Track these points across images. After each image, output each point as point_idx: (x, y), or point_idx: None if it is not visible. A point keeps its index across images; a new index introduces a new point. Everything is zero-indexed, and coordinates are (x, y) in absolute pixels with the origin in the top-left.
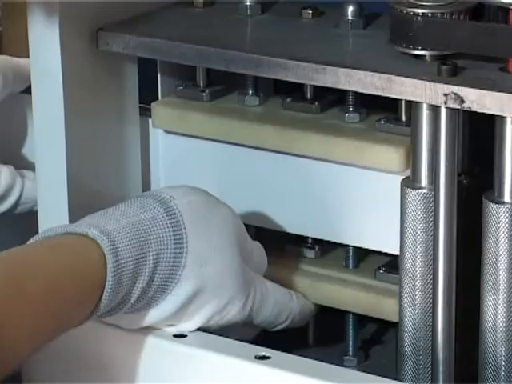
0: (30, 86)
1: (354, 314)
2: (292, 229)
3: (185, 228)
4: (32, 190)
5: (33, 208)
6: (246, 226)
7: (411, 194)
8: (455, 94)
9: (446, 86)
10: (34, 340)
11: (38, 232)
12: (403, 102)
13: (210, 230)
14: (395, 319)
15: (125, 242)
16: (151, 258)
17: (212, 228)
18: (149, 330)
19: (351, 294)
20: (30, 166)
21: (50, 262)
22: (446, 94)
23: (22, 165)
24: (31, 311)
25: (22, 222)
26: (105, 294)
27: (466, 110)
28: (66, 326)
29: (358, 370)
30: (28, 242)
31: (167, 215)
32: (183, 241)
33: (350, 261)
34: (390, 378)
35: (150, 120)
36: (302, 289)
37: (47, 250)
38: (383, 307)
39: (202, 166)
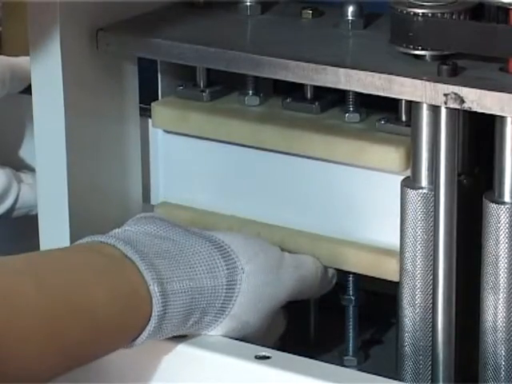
0: (29, 86)
1: (354, 308)
2: (292, 227)
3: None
4: (29, 194)
5: (29, 213)
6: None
7: (411, 194)
8: (455, 94)
9: (446, 86)
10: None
11: (33, 235)
12: (403, 102)
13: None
14: (395, 278)
15: (177, 307)
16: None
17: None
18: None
19: (351, 254)
20: (29, 168)
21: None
22: (446, 94)
23: (22, 166)
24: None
25: (20, 225)
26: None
27: (466, 110)
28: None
29: (358, 370)
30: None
31: (228, 287)
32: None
33: None
34: (390, 378)
35: (149, 120)
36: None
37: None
38: (383, 266)
39: (201, 166)
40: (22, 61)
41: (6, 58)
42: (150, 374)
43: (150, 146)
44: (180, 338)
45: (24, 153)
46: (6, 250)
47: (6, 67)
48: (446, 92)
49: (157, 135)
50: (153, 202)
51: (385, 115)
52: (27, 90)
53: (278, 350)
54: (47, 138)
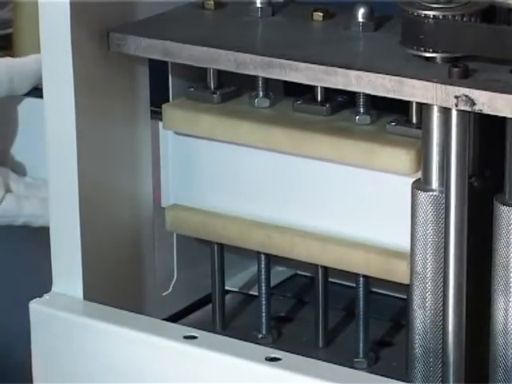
0: (36, 89)
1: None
2: (302, 229)
3: None
4: (12, 204)
5: (12, 223)
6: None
7: (422, 196)
8: (466, 96)
9: (456, 88)
10: None
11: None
12: (414, 105)
13: None
14: (406, 281)
15: None
16: None
17: None
18: (159, 331)
19: (361, 256)
20: (33, 171)
21: None
22: (456, 97)
23: (25, 170)
24: None
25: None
26: None
27: (477, 113)
28: None
29: (369, 372)
30: None
31: None
32: None
33: None
34: (400, 379)
35: (160, 122)
36: (313, 250)
37: None
38: (394, 269)
39: (212, 167)
40: (25, 61)
41: (11, 58)
42: (160, 375)
43: (160, 147)
44: (190, 339)
45: (29, 156)
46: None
47: (2, 69)
48: (457, 94)
49: (167, 137)
50: (163, 204)
51: (395, 117)
52: (36, 93)
53: (289, 352)
54: (58, 139)
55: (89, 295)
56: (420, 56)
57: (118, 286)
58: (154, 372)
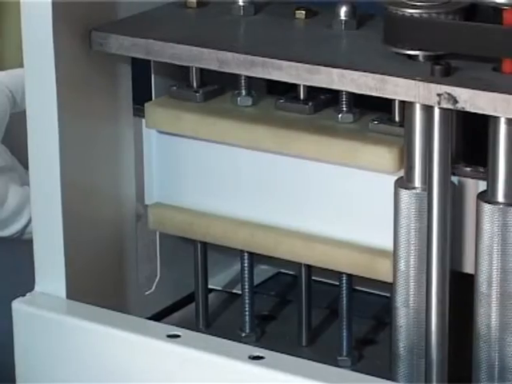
0: None
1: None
2: (286, 228)
3: None
4: None
5: None
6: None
7: (405, 194)
8: (448, 94)
9: (439, 86)
10: None
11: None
12: (396, 103)
13: None
14: (389, 279)
15: None
16: None
17: None
18: (142, 330)
19: (345, 255)
20: None
21: None
22: (439, 94)
23: None
24: None
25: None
26: None
27: (459, 110)
28: None
29: (352, 370)
30: None
31: None
32: None
33: None
34: (383, 378)
35: (143, 120)
36: (296, 248)
37: None
38: (377, 267)
39: (195, 166)
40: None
41: (7, 72)
42: (144, 374)
43: (143, 146)
44: (173, 338)
45: None
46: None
47: (18, 84)
48: (439, 92)
49: (150, 135)
50: (147, 202)
51: (378, 115)
52: None
53: (272, 350)
54: (40, 138)
55: (72, 294)
56: (402, 54)
57: (100, 285)
58: (137, 371)
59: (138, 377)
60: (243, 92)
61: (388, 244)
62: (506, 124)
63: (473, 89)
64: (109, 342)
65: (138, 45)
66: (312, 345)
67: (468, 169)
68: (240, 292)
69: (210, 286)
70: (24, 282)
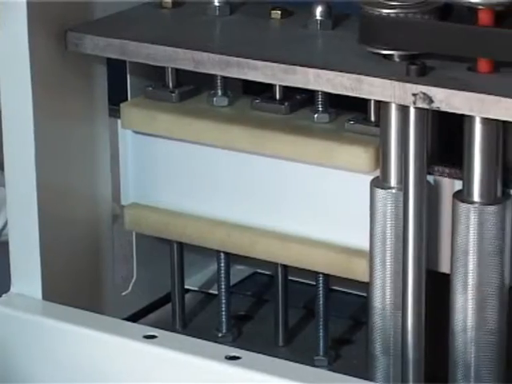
0: None
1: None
2: (262, 228)
3: None
4: None
5: None
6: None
7: (380, 193)
8: (424, 93)
9: (414, 85)
10: None
11: None
12: (372, 102)
13: None
14: (365, 279)
15: None
16: None
17: None
18: (119, 330)
19: (321, 255)
20: None
21: None
22: (414, 94)
23: None
24: None
25: None
26: None
27: (434, 110)
28: None
29: (329, 369)
30: None
31: None
32: None
33: None
34: (360, 378)
35: (119, 121)
36: (272, 248)
37: None
38: (353, 267)
39: (171, 166)
40: None
41: None
42: (120, 374)
43: (119, 146)
44: (150, 339)
45: None
46: None
47: None
48: (415, 92)
49: (126, 136)
50: (123, 202)
51: (354, 115)
52: None
53: (249, 350)
54: (16, 138)
55: (48, 295)
56: (378, 54)
57: (77, 286)
58: (114, 372)
59: (115, 377)
60: (219, 92)
61: (364, 244)
62: (482, 123)
63: (448, 88)
64: (85, 343)
65: (113, 45)
66: (289, 345)
67: (444, 168)
68: (216, 292)
69: (186, 287)
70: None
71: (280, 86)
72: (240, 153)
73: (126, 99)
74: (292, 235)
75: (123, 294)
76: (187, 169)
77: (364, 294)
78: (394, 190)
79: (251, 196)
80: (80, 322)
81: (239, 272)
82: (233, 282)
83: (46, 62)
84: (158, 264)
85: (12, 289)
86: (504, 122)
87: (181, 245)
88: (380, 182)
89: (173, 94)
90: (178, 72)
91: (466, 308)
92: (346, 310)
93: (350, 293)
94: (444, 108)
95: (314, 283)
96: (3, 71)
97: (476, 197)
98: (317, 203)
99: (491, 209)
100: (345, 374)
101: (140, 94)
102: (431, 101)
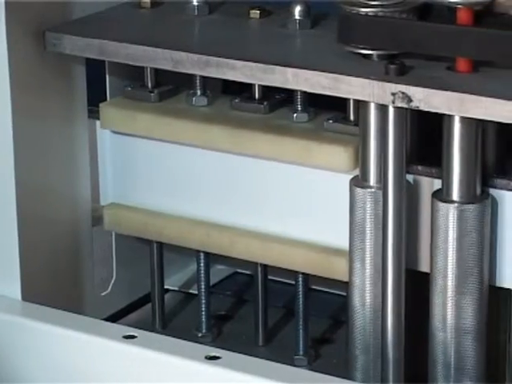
0: None
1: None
2: (241, 227)
3: None
4: None
5: None
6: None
7: (360, 192)
8: (403, 93)
9: (393, 85)
10: None
11: None
12: (351, 102)
13: None
14: (345, 278)
15: None
16: None
17: None
18: (98, 331)
19: (301, 254)
20: None
21: None
22: (393, 94)
23: None
24: None
25: None
26: None
27: (413, 109)
28: None
29: (309, 369)
30: None
31: None
32: None
33: None
34: (340, 377)
35: (97, 121)
36: (252, 248)
37: None
38: (333, 266)
39: (150, 166)
40: None
41: None
42: (100, 375)
43: (98, 146)
44: (130, 339)
45: None
46: None
47: None
48: (394, 91)
49: (105, 136)
50: (102, 202)
51: (333, 115)
52: None
53: (229, 350)
54: None
55: (27, 296)
56: (357, 53)
57: (56, 287)
58: (93, 372)
59: (95, 378)
60: (198, 92)
61: (344, 243)
62: (460, 123)
63: (427, 88)
64: (65, 344)
65: (91, 45)
66: (268, 344)
67: (423, 167)
68: (196, 292)
69: (166, 287)
70: None
71: (259, 85)
72: (219, 152)
73: (105, 99)
74: (271, 235)
75: (103, 294)
76: (166, 169)
77: (344, 294)
78: (373, 189)
79: (231, 195)
80: (59, 322)
81: (219, 272)
82: (213, 281)
83: (25, 62)
84: (137, 264)
85: None
86: (483, 121)
87: (160, 245)
88: (359, 182)
89: (152, 94)
90: (157, 72)
91: (446, 307)
92: (326, 310)
93: (330, 292)
94: (423, 107)
95: (294, 283)
96: None
97: (455, 196)
98: (296, 202)
99: (470, 208)
100: (325, 373)
101: (119, 94)
102: (410, 100)
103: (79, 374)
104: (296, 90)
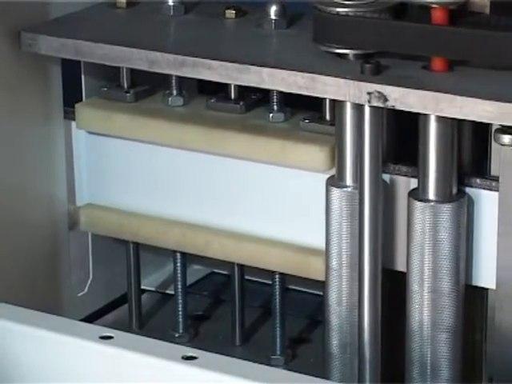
0: None
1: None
2: (218, 227)
3: None
4: None
5: None
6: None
7: (336, 192)
8: (379, 92)
9: (369, 84)
10: None
11: None
12: (327, 101)
13: None
14: (322, 278)
15: None
16: None
17: None
18: (75, 331)
19: (277, 254)
20: None
21: None
22: (369, 93)
23: None
24: None
25: None
26: None
27: (389, 109)
28: None
29: (286, 369)
30: None
31: None
32: None
33: None
34: (317, 376)
35: (73, 122)
36: (228, 248)
37: None
38: (310, 266)
39: (126, 166)
40: None
41: None
42: (77, 375)
43: (74, 147)
44: (106, 340)
45: None
46: None
47: None
48: (370, 90)
49: (81, 136)
50: (78, 203)
51: (309, 114)
52: None
53: (206, 350)
54: None
55: (4, 297)
56: (332, 53)
57: (33, 288)
58: (70, 372)
59: (71, 378)
60: (174, 92)
61: (320, 242)
62: (436, 122)
63: (403, 87)
64: (42, 345)
65: (67, 45)
66: (245, 344)
67: (399, 167)
68: (173, 292)
69: (142, 287)
70: None
71: (235, 85)
72: (195, 152)
73: (81, 99)
74: (248, 234)
75: (79, 295)
76: (142, 169)
77: (320, 293)
78: (349, 189)
79: (206, 195)
80: (36, 323)
81: (196, 272)
82: (189, 281)
83: (0, 62)
84: (114, 265)
85: None
86: (458, 120)
87: (137, 245)
88: (335, 181)
89: (128, 94)
90: (132, 72)
91: (422, 306)
92: (303, 309)
93: (307, 292)
94: (399, 106)
95: (271, 282)
96: None
97: (431, 195)
98: (272, 202)
99: (446, 207)
100: (302, 372)
101: (95, 94)
102: (386, 99)
103: (56, 374)
104: (272, 90)
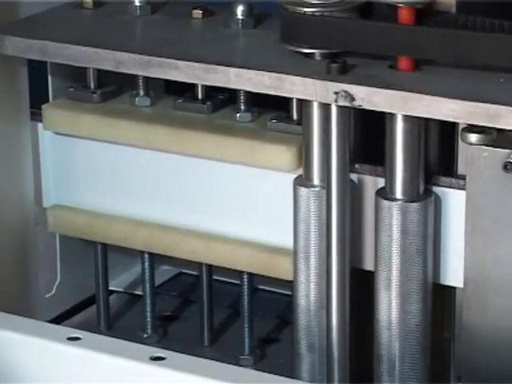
0: None
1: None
2: (185, 227)
3: None
4: None
5: None
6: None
7: (304, 192)
8: (345, 91)
9: (336, 84)
10: None
11: None
12: (294, 101)
13: None
14: (290, 277)
15: None
16: None
17: None
18: (42, 333)
19: (245, 254)
20: None
21: None
22: (336, 92)
23: None
24: None
25: None
26: None
27: (356, 108)
28: None
29: (255, 369)
30: None
31: None
32: None
33: None
34: (286, 376)
35: (40, 123)
36: (196, 248)
37: None
38: (278, 266)
39: (93, 167)
40: None
41: None
42: (44, 377)
43: (40, 148)
44: (74, 341)
45: None
46: None
47: None
48: (336, 90)
49: (48, 138)
50: (45, 204)
51: (276, 114)
52: None
53: (174, 350)
54: None
55: None
56: (299, 52)
57: (0, 289)
58: (37, 374)
59: (38, 379)
60: (141, 92)
61: (288, 242)
62: (403, 121)
63: (369, 86)
64: (8, 346)
65: (33, 46)
66: (214, 344)
67: (366, 166)
68: (141, 293)
69: (110, 288)
70: None
71: (202, 85)
72: (162, 153)
73: (48, 100)
74: (216, 234)
75: (47, 296)
76: (109, 169)
77: (289, 293)
78: (317, 189)
79: (174, 196)
80: (3, 324)
81: (164, 272)
82: (158, 282)
83: None
84: (81, 265)
85: None
86: (425, 119)
87: (104, 246)
88: (303, 181)
89: (94, 95)
90: (99, 72)
91: (390, 305)
92: (271, 309)
93: (275, 291)
94: (365, 106)
95: (239, 282)
96: None
97: (398, 194)
98: (240, 202)
99: (414, 206)
100: (270, 372)
101: (62, 95)
102: (353, 99)
103: (23, 375)
104: (239, 90)
